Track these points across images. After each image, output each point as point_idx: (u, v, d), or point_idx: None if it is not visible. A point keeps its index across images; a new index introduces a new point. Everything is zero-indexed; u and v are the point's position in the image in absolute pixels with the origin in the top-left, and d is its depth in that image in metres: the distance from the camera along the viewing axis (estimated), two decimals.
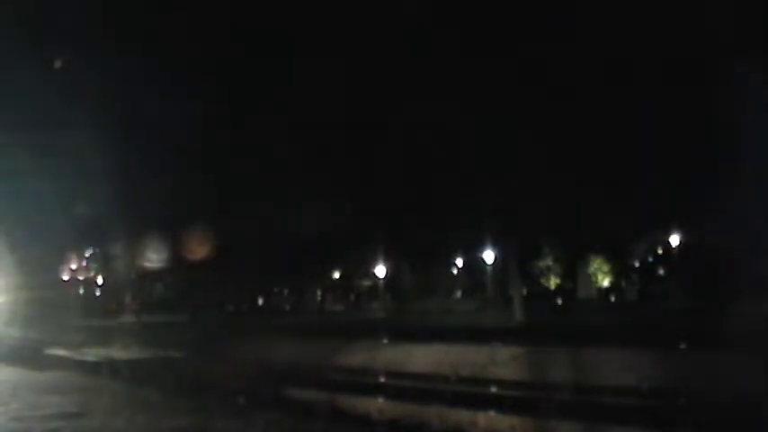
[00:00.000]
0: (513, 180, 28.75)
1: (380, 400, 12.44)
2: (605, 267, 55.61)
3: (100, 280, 57.14)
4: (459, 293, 60.05)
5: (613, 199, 35.31)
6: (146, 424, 7.97)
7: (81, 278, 54.82)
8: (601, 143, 29.87)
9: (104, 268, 54.60)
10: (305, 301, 60.10)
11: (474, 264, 53.53)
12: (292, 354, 18.80)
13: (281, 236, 40.16)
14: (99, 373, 15.52)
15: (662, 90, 26.07)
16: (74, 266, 52.03)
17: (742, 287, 26.01)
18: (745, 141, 21.66)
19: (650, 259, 54.53)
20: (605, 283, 56.34)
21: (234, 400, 10.76)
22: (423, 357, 16.55)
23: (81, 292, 54.42)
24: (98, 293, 57.09)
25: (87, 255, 54.46)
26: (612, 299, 54.59)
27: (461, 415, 10.71)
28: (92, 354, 19.42)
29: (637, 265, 55.67)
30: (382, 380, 15.11)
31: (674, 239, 45.36)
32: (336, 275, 61.31)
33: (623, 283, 56.87)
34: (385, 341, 19.70)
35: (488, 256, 45.31)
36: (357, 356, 17.65)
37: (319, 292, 61.64)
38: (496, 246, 42.66)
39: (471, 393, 12.34)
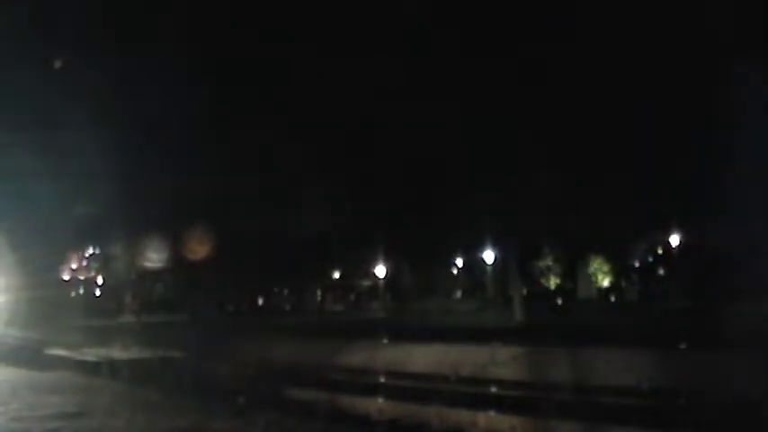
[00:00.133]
0: (513, 180, 28.77)
1: (380, 400, 12.46)
2: (605, 267, 55.59)
3: (100, 280, 57.14)
4: (459, 293, 60.01)
5: (613, 199, 35.29)
6: (146, 424, 7.97)
7: (82, 278, 54.82)
8: (601, 143, 29.88)
9: (104, 268, 54.61)
10: (305, 301, 60.08)
11: (474, 264, 53.53)
12: (292, 354, 18.83)
13: (281, 236, 40.17)
14: (99, 373, 15.53)
15: (662, 90, 26.06)
16: (74, 266, 52.04)
17: (742, 287, 26.02)
18: (745, 141, 21.66)
19: (650, 259, 54.49)
20: (605, 283, 56.32)
21: (234, 400, 10.77)
22: (423, 357, 16.56)
23: (81, 291, 54.42)
24: (98, 293, 57.09)
25: (88, 255, 54.48)
26: (612, 299, 54.56)
27: (461, 415, 10.73)
28: (92, 354, 19.40)
29: (637, 265, 55.63)
30: (382, 380, 15.13)
31: (674, 239, 45.34)
32: (336, 275, 61.28)
33: (623, 283, 56.83)
34: (385, 341, 19.71)
35: (488, 256, 45.31)
36: (357, 356, 17.67)
37: (319, 292, 61.62)
38: (496, 246, 42.67)
39: (471, 393, 12.35)
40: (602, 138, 29.51)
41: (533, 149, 27.61)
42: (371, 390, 13.47)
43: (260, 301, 61.99)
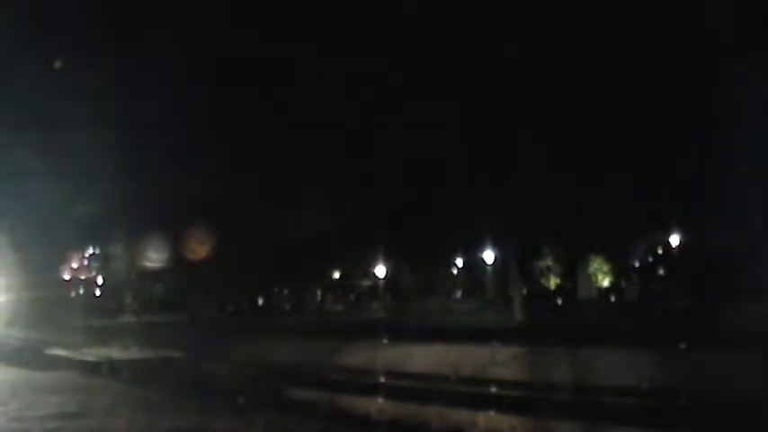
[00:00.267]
0: (513, 180, 28.76)
1: (380, 400, 12.46)
2: (605, 267, 55.59)
3: (100, 280, 57.14)
4: (459, 293, 59.99)
5: (613, 199, 35.28)
6: (146, 424, 7.97)
7: (82, 278, 54.80)
8: (601, 143, 29.87)
9: (105, 268, 54.61)
10: (305, 301, 60.08)
11: (474, 264, 53.51)
12: (292, 354, 18.84)
13: (281, 236, 40.17)
14: (99, 373, 15.54)
15: (662, 90, 26.06)
16: (75, 266, 52.02)
17: (742, 287, 26.03)
18: (745, 141, 21.66)
19: (650, 259, 54.48)
20: (605, 283, 56.31)
21: (234, 400, 10.77)
22: (423, 357, 16.57)
23: (81, 291, 54.41)
24: (98, 293, 57.09)
25: (88, 255, 54.47)
26: (612, 299, 54.54)
27: (461, 415, 10.73)
28: (92, 354, 19.41)
29: (637, 265, 55.62)
30: (382, 380, 15.14)
31: (674, 239, 45.32)
32: (336, 275, 61.28)
33: (623, 284, 56.83)
34: (385, 341, 19.71)
35: (488, 256, 45.30)
36: (357, 356, 17.67)
37: (319, 292, 61.62)
38: (496, 246, 42.65)
39: (471, 393, 12.36)
40: (602, 138, 29.52)
41: (533, 149, 27.61)
42: (371, 390, 13.48)
43: (260, 301, 61.99)
